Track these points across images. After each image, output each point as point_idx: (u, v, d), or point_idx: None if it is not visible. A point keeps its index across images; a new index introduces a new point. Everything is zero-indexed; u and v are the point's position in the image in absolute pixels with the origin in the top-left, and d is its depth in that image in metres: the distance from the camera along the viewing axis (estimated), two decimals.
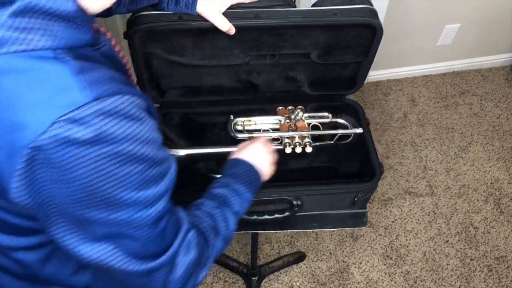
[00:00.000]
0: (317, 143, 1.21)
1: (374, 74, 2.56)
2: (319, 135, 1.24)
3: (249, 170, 0.92)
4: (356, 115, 1.28)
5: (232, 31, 1.03)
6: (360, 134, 1.22)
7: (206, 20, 1.00)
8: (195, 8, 1.00)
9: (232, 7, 1.02)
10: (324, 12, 1.03)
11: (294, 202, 1.10)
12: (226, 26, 1.01)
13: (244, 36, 1.07)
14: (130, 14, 1.05)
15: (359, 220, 1.20)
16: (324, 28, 1.06)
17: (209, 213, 0.82)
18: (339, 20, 1.03)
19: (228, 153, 1.19)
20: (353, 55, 1.15)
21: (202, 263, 0.76)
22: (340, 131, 1.22)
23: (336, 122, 1.28)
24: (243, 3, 1.03)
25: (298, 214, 1.15)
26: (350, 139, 1.24)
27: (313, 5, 1.06)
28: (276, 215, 1.11)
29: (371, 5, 1.07)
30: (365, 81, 2.52)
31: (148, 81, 1.15)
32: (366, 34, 1.08)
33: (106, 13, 0.97)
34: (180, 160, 1.16)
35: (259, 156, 0.96)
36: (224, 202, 0.86)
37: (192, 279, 0.75)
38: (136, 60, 1.09)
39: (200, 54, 1.10)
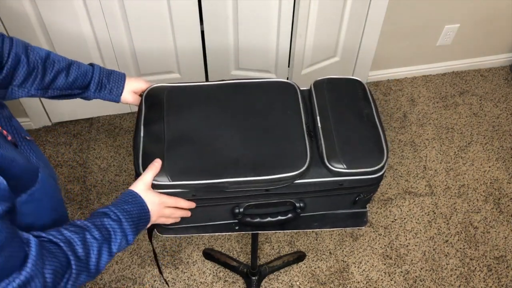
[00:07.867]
0: None
1: (374, 74, 2.56)
2: None
3: (141, 214, 0.90)
4: None
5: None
6: None
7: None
8: (120, 94, 1.00)
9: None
10: (331, 184, 1.05)
11: (297, 204, 1.10)
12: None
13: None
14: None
15: (359, 219, 1.20)
16: (329, 194, 1.09)
17: (86, 241, 0.79)
18: (345, 187, 1.07)
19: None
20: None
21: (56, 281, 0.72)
22: None
23: None
24: None
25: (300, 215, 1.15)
26: None
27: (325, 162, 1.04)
28: (279, 217, 1.12)
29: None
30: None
31: None
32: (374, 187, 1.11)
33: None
34: None
35: (157, 205, 0.95)
36: (108, 237, 0.83)
37: None
38: None
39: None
